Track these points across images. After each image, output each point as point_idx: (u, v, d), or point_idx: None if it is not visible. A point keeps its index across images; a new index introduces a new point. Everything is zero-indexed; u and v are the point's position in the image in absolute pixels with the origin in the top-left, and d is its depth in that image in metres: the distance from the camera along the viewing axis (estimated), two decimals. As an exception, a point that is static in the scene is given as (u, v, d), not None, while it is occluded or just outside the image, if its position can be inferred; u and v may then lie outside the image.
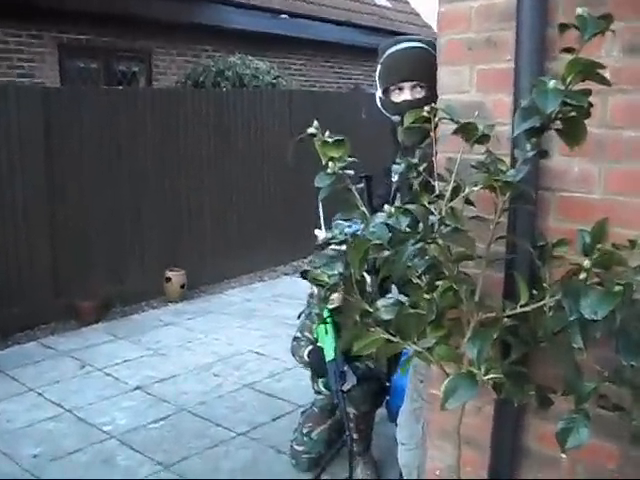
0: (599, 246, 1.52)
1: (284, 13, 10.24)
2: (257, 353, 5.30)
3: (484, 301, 1.72)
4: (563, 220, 1.95)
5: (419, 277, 1.75)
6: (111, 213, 6.35)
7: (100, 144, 6.24)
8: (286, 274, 7.81)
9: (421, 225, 1.57)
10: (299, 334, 3.60)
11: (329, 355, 3.21)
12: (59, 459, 3.74)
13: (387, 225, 1.58)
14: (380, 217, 1.57)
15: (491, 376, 1.55)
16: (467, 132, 1.50)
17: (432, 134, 1.79)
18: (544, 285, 1.68)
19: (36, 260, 5.87)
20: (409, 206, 1.53)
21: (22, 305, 5.76)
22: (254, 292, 7.10)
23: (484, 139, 1.51)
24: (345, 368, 3.23)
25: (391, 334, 1.84)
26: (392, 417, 3.86)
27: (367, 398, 3.42)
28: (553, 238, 1.81)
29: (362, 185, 3.22)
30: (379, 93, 2.58)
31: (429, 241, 1.57)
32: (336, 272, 1.95)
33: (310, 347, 3.41)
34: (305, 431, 3.56)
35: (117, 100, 6.41)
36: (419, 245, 1.55)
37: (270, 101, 7.80)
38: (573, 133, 1.47)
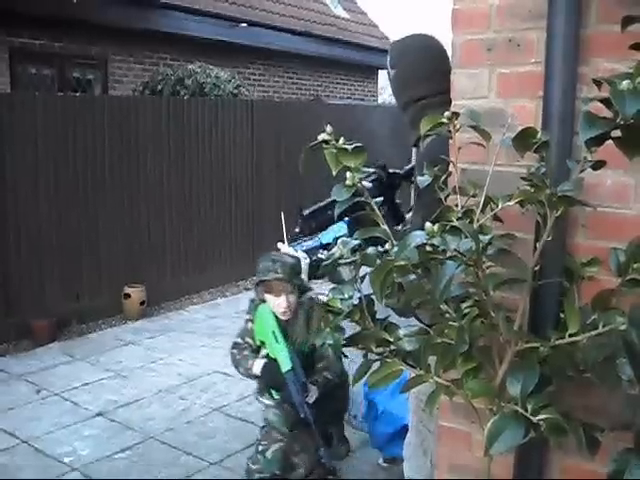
0: (636, 265, 1.38)
1: (243, 22, 10.03)
2: (224, 374, 5.01)
3: (523, 329, 1.54)
4: (594, 238, 1.78)
5: (446, 303, 1.57)
6: (66, 226, 6.02)
7: (54, 154, 5.92)
8: (247, 289, 7.55)
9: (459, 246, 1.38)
10: (239, 339, 3.11)
11: (285, 365, 2.86)
12: (15, 496, 3.44)
13: (421, 245, 1.39)
14: (418, 236, 1.37)
15: (543, 416, 1.36)
16: (523, 139, 1.31)
17: (452, 143, 1.63)
18: (575, 308, 1.52)
19: (-16, 276, 5.53)
20: (457, 224, 1.33)
21: (-30, 325, 5.42)
22: (217, 309, 6.83)
23: (543, 147, 1.32)
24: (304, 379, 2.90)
25: (411, 365, 1.65)
26: (375, 443, 3.67)
27: (334, 415, 3.20)
28: (582, 257, 1.67)
29: (375, 178, 3.00)
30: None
31: (470, 264, 1.37)
32: (346, 296, 1.76)
33: (262, 362, 2.97)
34: (260, 449, 3.12)
35: (72, 108, 6.10)
36: (460, 268, 1.35)
37: (232, 111, 7.56)
38: (636, 142, 1.29)
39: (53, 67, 8.17)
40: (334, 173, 1.61)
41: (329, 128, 1.52)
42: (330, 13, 12.93)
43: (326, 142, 1.53)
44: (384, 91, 25.96)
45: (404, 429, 3.26)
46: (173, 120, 6.86)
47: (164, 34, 8.95)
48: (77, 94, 7.98)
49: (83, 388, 4.78)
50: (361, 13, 14.17)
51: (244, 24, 9.99)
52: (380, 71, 14.37)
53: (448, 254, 1.34)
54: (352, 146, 1.52)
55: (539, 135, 1.34)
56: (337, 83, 12.78)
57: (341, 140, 1.54)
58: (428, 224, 1.36)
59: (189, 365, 5.27)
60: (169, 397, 4.65)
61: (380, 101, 19.45)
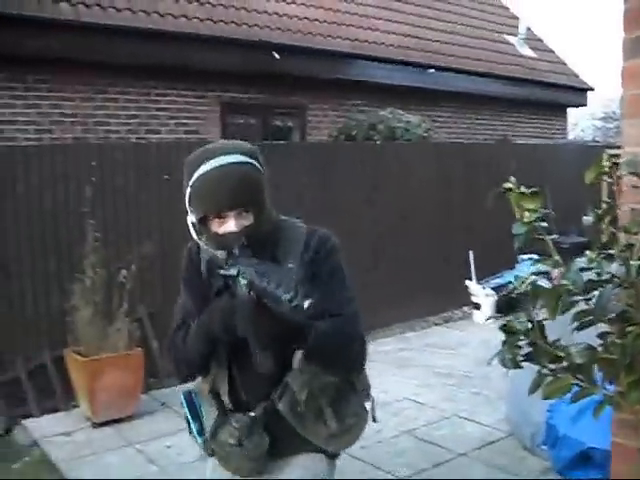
0: None
1: (430, 67, 10.46)
2: (414, 401, 5.36)
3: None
4: None
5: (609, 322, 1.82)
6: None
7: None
8: (437, 324, 7.87)
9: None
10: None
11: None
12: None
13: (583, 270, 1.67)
14: (580, 263, 1.66)
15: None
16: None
17: (615, 187, 1.88)
18: None
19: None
20: (612, 252, 1.60)
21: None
22: (406, 342, 7.18)
23: None
24: None
25: (579, 379, 1.90)
26: (556, 467, 3.83)
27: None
28: None
29: None
30: (192, 219, 2.02)
31: (626, 286, 1.63)
32: (524, 320, 2.04)
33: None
34: None
35: (280, 153, 6.82)
36: (616, 290, 1.62)
37: (421, 153, 7.98)
38: None
39: (258, 117, 9.01)
40: (517, 215, 1.92)
41: (513, 178, 1.84)
42: (516, 53, 13.06)
43: (510, 189, 1.85)
44: (576, 127, 25.42)
45: (584, 454, 3.43)
46: (368, 163, 7.40)
47: (355, 82, 9.58)
48: (282, 142, 8.76)
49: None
50: (549, 51, 14.15)
51: (431, 70, 10.42)
52: (569, 109, 14.25)
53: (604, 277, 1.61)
54: (530, 190, 1.82)
55: None
56: (524, 122, 12.83)
57: (522, 188, 1.85)
58: (588, 252, 1.64)
59: (381, 392, 5.60)
60: (362, 419, 5.03)
61: (571, 137, 19.14)
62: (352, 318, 2.14)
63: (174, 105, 8.18)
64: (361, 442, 4.58)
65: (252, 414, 2.13)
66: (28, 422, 5.25)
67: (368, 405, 2.36)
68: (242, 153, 2.01)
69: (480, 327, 7.74)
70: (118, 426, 5.11)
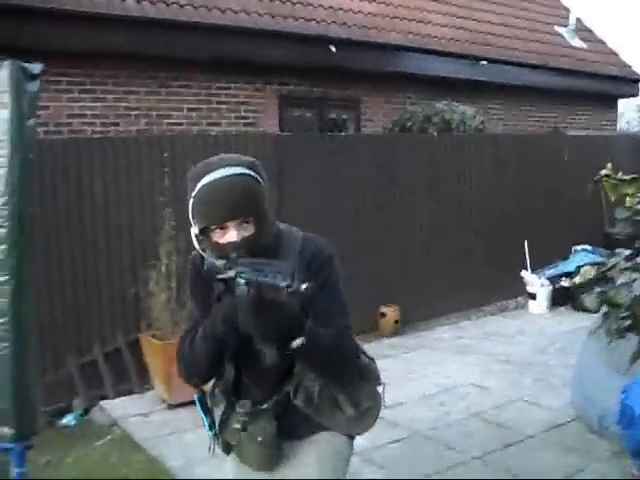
0: None
1: (483, 59, 10.49)
2: (478, 386, 5.48)
3: None
4: None
5: None
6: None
7: (323, 183, 6.80)
8: (492, 314, 7.96)
9: None
10: None
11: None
12: None
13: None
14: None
15: None
16: None
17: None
18: None
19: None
20: None
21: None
22: (463, 330, 7.30)
23: None
24: None
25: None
26: (630, 448, 3.89)
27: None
28: None
29: None
30: (195, 230, 2.09)
31: None
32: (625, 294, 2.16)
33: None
34: None
35: (338, 144, 6.99)
36: None
37: (476, 145, 8.09)
38: None
39: (313, 109, 9.16)
40: (612, 199, 2.04)
41: (609, 165, 1.96)
42: (566, 44, 13.01)
43: (607, 176, 1.97)
44: (622, 117, 25.09)
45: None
46: (425, 154, 7.53)
47: (409, 75, 9.66)
48: (342, 134, 8.96)
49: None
50: (600, 42, 14.05)
51: (484, 62, 10.46)
52: (619, 99, 14.15)
53: None
54: (629, 177, 1.94)
55: None
56: (575, 113, 12.79)
57: (619, 174, 1.97)
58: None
59: (444, 377, 5.76)
60: (430, 402, 5.18)
61: (617, 128, 18.94)
62: (345, 333, 2.19)
63: (234, 98, 8.35)
64: (431, 424, 4.76)
65: (264, 406, 2.19)
66: (105, 403, 5.48)
67: (380, 389, 2.41)
68: (243, 165, 2.05)
69: (536, 317, 7.81)
70: (192, 408, 5.26)
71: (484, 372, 5.84)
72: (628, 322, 2.13)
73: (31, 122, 3.08)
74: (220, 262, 1.99)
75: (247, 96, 8.47)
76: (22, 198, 3.02)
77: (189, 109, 8.05)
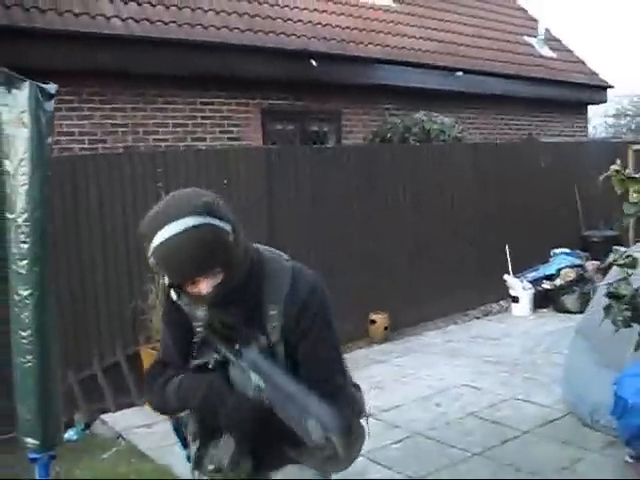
0: None
1: (458, 70, 10.74)
2: (471, 387, 5.65)
3: None
4: None
5: None
6: (319, 258, 6.95)
7: (312, 194, 6.97)
8: (477, 317, 8.17)
9: None
10: None
11: None
12: None
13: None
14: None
15: None
16: None
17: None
18: None
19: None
20: None
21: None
22: (451, 334, 7.48)
23: None
24: None
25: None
26: (623, 436, 4.07)
27: None
28: None
29: None
30: (165, 281, 1.96)
31: None
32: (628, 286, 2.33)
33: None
34: None
35: (323, 157, 7.17)
36: None
37: (457, 153, 8.32)
38: None
39: (296, 122, 9.32)
40: (618, 193, 2.21)
41: (618, 161, 2.14)
42: (537, 54, 13.33)
43: (617, 172, 2.14)
44: (589, 123, 25.58)
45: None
46: (408, 164, 7.73)
47: (387, 86, 9.86)
48: (329, 145, 9.24)
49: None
50: (567, 51, 14.42)
51: (459, 73, 10.71)
52: (589, 106, 14.51)
53: None
54: (638, 175, 2.12)
55: None
56: (548, 121, 13.10)
57: (627, 170, 2.15)
58: None
59: (437, 380, 5.92)
60: (426, 404, 5.33)
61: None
62: (345, 401, 2.07)
63: (218, 113, 8.49)
64: (429, 424, 4.91)
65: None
66: (106, 417, 5.55)
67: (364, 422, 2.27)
68: (196, 213, 1.83)
69: (519, 319, 8.02)
70: (193, 417, 5.39)
71: (475, 373, 6.01)
72: (628, 314, 2.29)
73: (49, 140, 3.19)
74: (200, 313, 1.98)
75: (231, 111, 8.61)
76: (43, 214, 3.13)
77: (174, 124, 8.16)
